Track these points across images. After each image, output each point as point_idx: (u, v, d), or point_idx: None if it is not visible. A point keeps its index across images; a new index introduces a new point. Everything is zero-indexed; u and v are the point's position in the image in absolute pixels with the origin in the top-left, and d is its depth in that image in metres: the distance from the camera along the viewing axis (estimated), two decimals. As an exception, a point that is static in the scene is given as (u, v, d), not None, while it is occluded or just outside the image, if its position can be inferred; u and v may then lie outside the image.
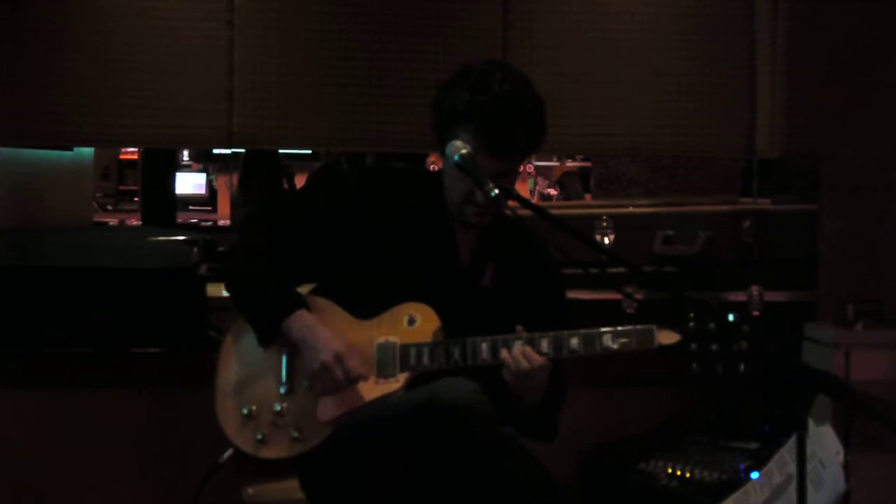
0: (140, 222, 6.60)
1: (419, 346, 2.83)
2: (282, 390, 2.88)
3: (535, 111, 2.83)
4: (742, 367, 2.71)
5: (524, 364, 2.73)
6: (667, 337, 2.74)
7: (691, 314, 2.73)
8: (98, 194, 8.73)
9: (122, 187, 9.65)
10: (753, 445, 3.86)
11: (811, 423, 3.11)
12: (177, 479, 3.82)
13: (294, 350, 2.89)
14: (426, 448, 2.66)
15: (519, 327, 2.78)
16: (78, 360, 4.01)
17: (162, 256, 4.03)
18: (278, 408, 2.87)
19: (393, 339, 2.86)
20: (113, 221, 8.33)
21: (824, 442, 3.09)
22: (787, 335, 4.05)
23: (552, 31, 4.16)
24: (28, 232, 4.23)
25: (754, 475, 3.51)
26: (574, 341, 2.76)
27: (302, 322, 2.87)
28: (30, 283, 4.00)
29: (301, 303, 2.90)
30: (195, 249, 4.01)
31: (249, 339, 2.94)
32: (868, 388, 3.55)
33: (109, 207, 9.25)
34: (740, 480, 3.65)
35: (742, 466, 3.74)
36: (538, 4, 4.16)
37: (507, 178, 2.83)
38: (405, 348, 2.84)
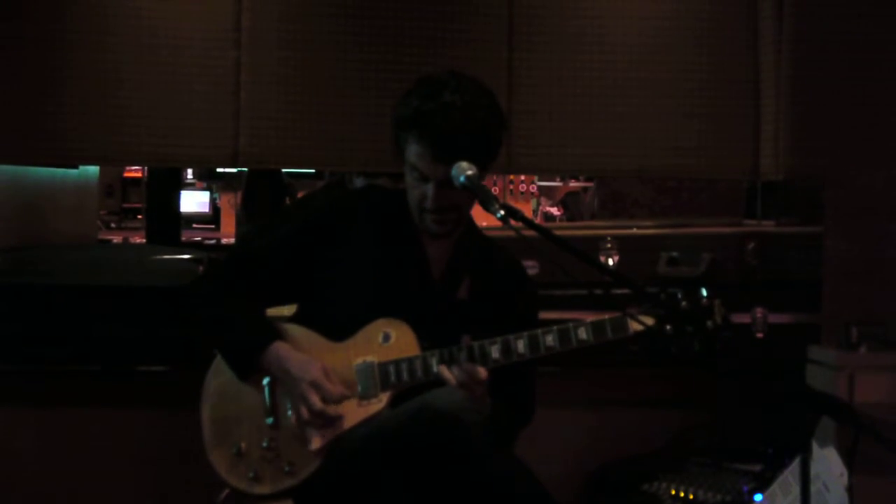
0: (144, 240, 6.60)
1: (398, 363, 2.82)
2: (268, 421, 2.87)
3: (482, 120, 2.81)
4: (719, 343, 2.69)
5: (480, 375, 2.73)
6: (640, 323, 2.72)
7: (662, 296, 2.71)
8: (101, 212, 8.73)
9: (125, 205, 9.65)
10: (757, 467, 3.85)
11: (815, 446, 3.10)
12: (181, 496, 3.82)
13: (273, 382, 2.89)
14: (420, 459, 2.66)
15: (465, 336, 2.77)
16: (81, 378, 4.01)
17: (167, 274, 4.04)
18: (266, 444, 2.86)
19: (370, 358, 2.85)
20: (117, 239, 8.32)
21: (828, 464, 3.09)
22: (791, 358, 4.05)
23: (557, 53, 4.16)
24: (33, 250, 4.24)
25: (758, 497, 3.51)
26: (549, 338, 2.76)
27: (277, 354, 2.87)
28: (34, 301, 4.01)
29: (274, 334, 2.90)
30: (200, 268, 4.02)
31: (230, 376, 2.94)
32: (872, 411, 3.54)
33: (113, 225, 9.25)
34: (743, 503, 3.65)
35: (745, 488, 3.74)
36: (543, 27, 4.17)
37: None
38: (384, 367, 2.83)
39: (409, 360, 2.82)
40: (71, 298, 3.99)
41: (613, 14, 4.19)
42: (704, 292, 2.71)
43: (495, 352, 2.77)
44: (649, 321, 2.72)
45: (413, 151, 2.84)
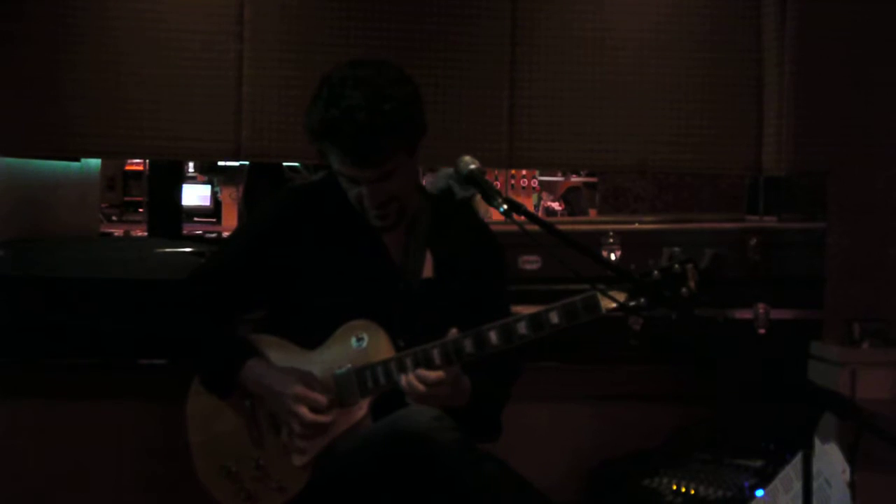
0: (146, 233, 6.60)
1: (373, 368, 2.80)
2: (253, 442, 2.88)
3: (391, 112, 2.75)
4: (694, 307, 2.67)
5: (420, 388, 2.72)
6: (612, 300, 2.70)
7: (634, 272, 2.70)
8: (103, 205, 8.72)
9: (127, 198, 9.65)
10: (758, 463, 3.84)
11: (817, 442, 3.10)
12: (181, 490, 3.82)
13: (253, 399, 2.89)
14: (401, 480, 2.65)
15: (453, 330, 2.76)
16: (82, 371, 4.01)
17: (168, 268, 4.04)
18: (254, 464, 2.86)
19: (347, 365, 2.83)
20: (118, 232, 8.32)
21: (830, 460, 3.09)
22: (793, 354, 4.05)
23: (559, 48, 4.16)
24: (34, 243, 4.24)
25: (759, 493, 3.51)
26: (521, 325, 2.74)
27: (254, 373, 2.86)
28: (35, 294, 4.01)
29: (246, 353, 2.89)
30: (202, 261, 4.01)
31: (211, 397, 2.94)
32: (874, 407, 3.55)
33: (114, 218, 9.26)
34: (745, 498, 3.65)
35: (746, 484, 3.74)
36: (545, 21, 4.16)
37: (398, 174, 2.81)
38: (360, 373, 2.81)
39: (384, 364, 2.80)
40: (72, 291, 3.99)
41: (615, 9, 4.19)
42: (676, 263, 2.68)
43: (468, 346, 2.75)
44: (621, 296, 2.69)
45: (335, 159, 2.81)
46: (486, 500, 2.65)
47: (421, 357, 2.76)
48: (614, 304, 2.69)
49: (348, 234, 2.92)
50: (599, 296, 2.70)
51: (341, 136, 2.75)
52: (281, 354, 2.90)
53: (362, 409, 2.81)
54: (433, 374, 2.72)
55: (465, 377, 2.81)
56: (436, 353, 2.75)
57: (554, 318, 2.73)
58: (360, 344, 2.84)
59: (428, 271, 2.95)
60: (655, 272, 2.68)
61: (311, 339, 2.89)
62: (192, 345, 2.96)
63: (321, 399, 2.79)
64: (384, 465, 2.65)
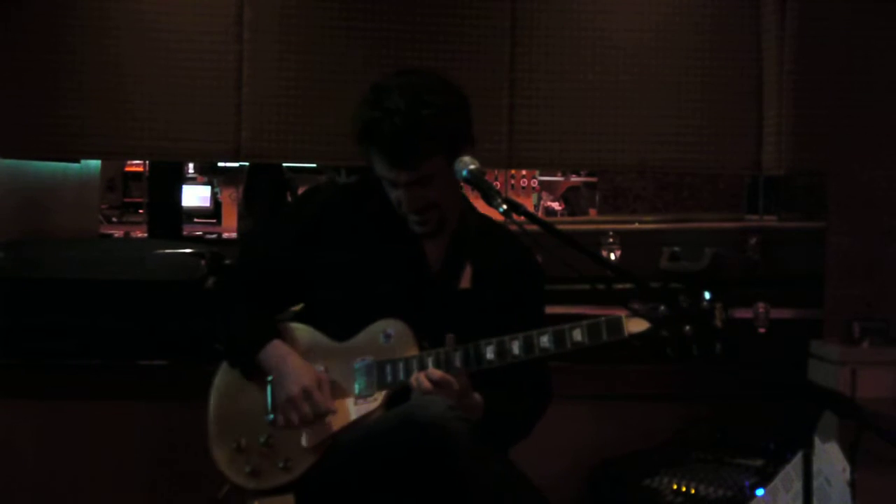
0: (146, 234, 6.60)
1: (394, 363, 2.85)
2: (269, 418, 2.89)
3: (429, 116, 2.79)
4: (718, 346, 2.68)
5: (426, 384, 2.74)
6: (637, 325, 2.70)
7: (662, 301, 2.69)
8: (103, 206, 8.72)
9: (126, 199, 9.64)
10: (758, 462, 3.85)
11: (817, 441, 3.11)
12: (182, 490, 3.82)
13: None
14: (410, 469, 2.66)
15: (449, 336, 2.78)
16: (83, 372, 4.01)
17: (169, 269, 4.04)
18: (263, 439, 2.89)
19: (369, 357, 2.88)
20: (118, 233, 8.32)
21: (830, 459, 3.09)
22: (793, 353, 4.05)
23: (558, 48, 4.16)
24: (34, 244, 4.24)
25: (759, 492, 3.51)
26: (544, 339, 2.75)
27: (275, 353, 2.90)
28: (35, 295, 4.01)
29: (274, 334, 2.93)
30: (202, 262, 4.02)
31: (237, 374, 2.97)
32: (874, 406, 3.55)
33: (114, 219, 9.25)
34: (745, 497, 3.65)
35: (747, 483, 3.74)
36: (545, 21, 4.17)
37: (437, 181, 2.84)
38: (381, 366, 2.86)
39: (406, 361, 2.84)
40: (72, 293, 3.99)
41: (615, 9, 4.19)
42: (708, 295, 2.69)
43: (490, 353, 2.78)
44: (645, 324, 2.70)
45: (376, 162, 2.86)
46: (493, 492, 2.67)
47: (442, 358, 2.80)
48: (639, 330, 2.70)
49: (392, 239, 2.96)
50: (625, 319, 2.71)
51: (380, 137, 2.80)
52: (308, 342, 2.94)
53: (377, 400, 2.85)
54: (438, 374, 2.75)
55: (477, 394, 2.83)
56: (457, 357, 2.79)
57: (577, 335, 2.75)
58: (387, 341, 2.88)
59: (465, 282, 2.98)
60: (684, 303, 2.69)
61: (340, 334, 2.93)
62: (226, 322, 3.01)
63: (323, 404, 2.82)
64: (395, 449, 2.67)
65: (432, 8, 4.10)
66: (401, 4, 4.10)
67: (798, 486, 3.06)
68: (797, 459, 3.08)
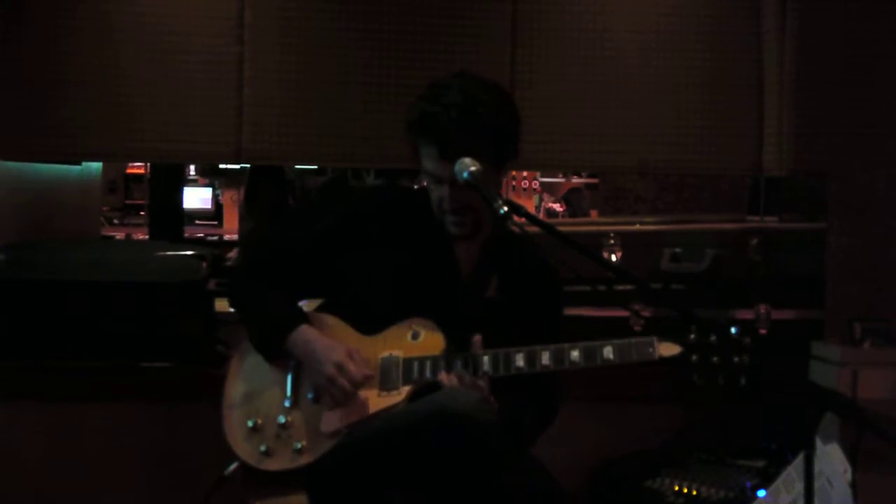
0: (147, 236, 6.60)
1: (422, 360, 2.86)
2: (286, 403, 2.92)
3: (484, 116, 2.85)
4: (743, 380, 2.70)
5: (455, 383, 2.77)
6: (667, 349, 2.74)
7: (693, 327, 2.73)
8: (104, 208, 8.71)
9: (128, 201, 9.64)
10: (760, 463, 3.85)
11: (818, 442, 3.11)
12: (183, 492, 3.82)
13: (299, 365, 2.94)
14: (434, 460, 2.67)
15: (476, 337, 2.81)
16: (84, 374, 4.01)
17: (171, 270, 4.04)
18: (282, 420, 2.90)
19: (397, 352, 2.90)
20: (119, 235, 8.32)
21: (832, 460, 3.09)
22: (795, 353, 4.05)
23: (559, 49, 4.16)
24: (36, 246, 4.23)
25: (761, 493, 3.51)
26: (575, 354, 2.79)
27: (303, 337, 2.92)
28: (37, 297, 4.01)
29: (302, 318, 2.95)
30: (204, 264, 4.02)
31: (257, 355, 2.99)
32: (875, 407, 3.55)
33: (116, 221, 9.24)
34: (747, 498, 3.65)
35: (748, 484, 3.73)
36: (546, 22, 4.17)
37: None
38: (408, 362, 2.88)
39: (434, 359, 2.86)
40: (73, 295, 3.99)
41: (616, 9, 4.19)
42: (734, 330, 2.72)
43: (519, 360, 2.80)
44: (675, 349, 2.73)
45: (424, 154, 2.90)
46: (521, 483, 2.71)
47: (470, 361, 2.82)
48: (670, 354, 2.73)
49: (424, 242, 2.99)
50: (657, 342, 2.74)
51: (434, 128, 2.84)
52: (337, 331, 2.96)
53: (401, 394, 2.86)
54: (468, 378, 2.78)
55: (493, 399, 2.84)
56: (486, 360, 2.81)
57: (607, 352, 2.78)
58: (416, 339, 2.90)
59: (492, 292, 3.00)
60: (713, 337, 2.70)
61: (367, 330, 2.95)
62: (254, 303, 3.03)
63: (358, 372, 2.83)
64: (424, 438, 2.68)
65: (432, 9, 4.11)
66: (401, 6, 4.10)
67: (799, 487, 3.06)
68: (798, 460, 3.08)
